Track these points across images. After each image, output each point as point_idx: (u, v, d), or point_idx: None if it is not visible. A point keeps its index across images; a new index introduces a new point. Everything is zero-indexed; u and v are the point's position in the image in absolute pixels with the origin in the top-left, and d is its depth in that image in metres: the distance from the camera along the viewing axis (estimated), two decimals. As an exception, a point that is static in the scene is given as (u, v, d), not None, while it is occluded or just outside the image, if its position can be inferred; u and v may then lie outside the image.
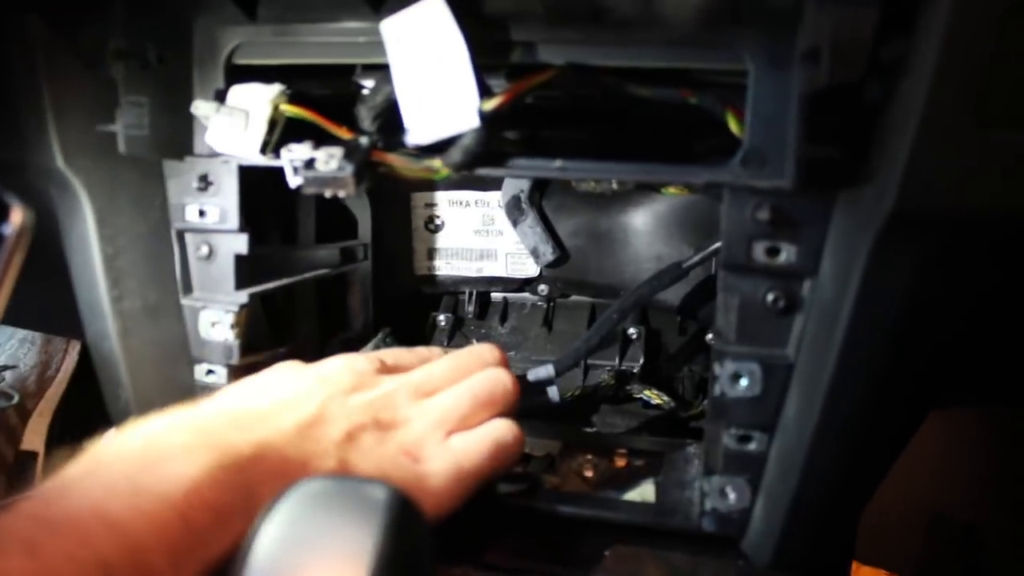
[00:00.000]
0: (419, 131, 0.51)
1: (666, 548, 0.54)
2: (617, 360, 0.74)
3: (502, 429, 0.53)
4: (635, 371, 0.74)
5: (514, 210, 0.75)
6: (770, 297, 0.50)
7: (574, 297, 0.80)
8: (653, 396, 0.72)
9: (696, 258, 0.67)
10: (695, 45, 0.50)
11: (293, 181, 0.53)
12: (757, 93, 0.48)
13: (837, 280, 0.47)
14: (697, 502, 0.56)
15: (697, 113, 0.52)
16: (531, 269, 0.78)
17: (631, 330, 0.75)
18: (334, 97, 0.57)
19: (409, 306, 0.81)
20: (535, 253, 0.76)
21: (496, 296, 0.82)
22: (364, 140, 0.52)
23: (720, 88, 0.52)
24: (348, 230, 0.75)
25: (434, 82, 0.50)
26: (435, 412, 0.52)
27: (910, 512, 0.57)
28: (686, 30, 0.49)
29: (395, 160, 0.53)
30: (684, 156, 0.53)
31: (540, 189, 0.75)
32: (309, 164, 0.51)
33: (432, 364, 0.56)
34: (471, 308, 0.80)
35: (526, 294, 0.80)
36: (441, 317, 0.79)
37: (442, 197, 0.78)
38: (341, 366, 0.53)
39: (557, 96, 0.55)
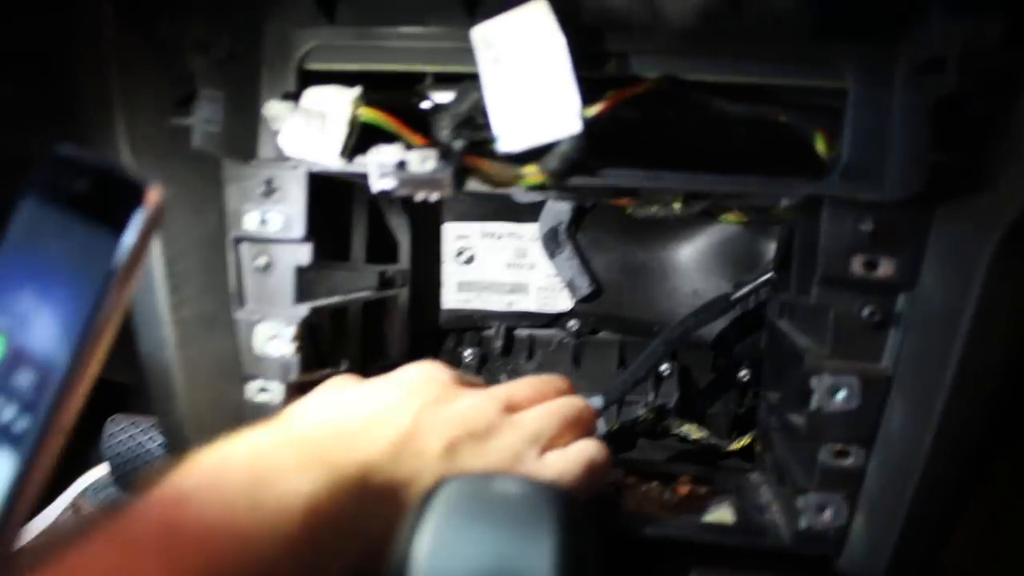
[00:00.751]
0: (513, 138, 0.50)
1: (757, 566, 0.52)
2: (652, 396, 0.73)
3: (593, 448, 0.51)
4: (671, 407, 0.72)
5: (551, 242, 0.74)
6: (866, 311, 0.50)
7: (601, 335, 0.79)
8: (692, 431, 0.71)
9: (745, 290, 0.67)
10: (794, 62, 0.50)
11: (378, 184, 0.51)
12: (857, 107, 0.49)
13: (947, 291, 0.47)
14: (782, 523, 0.54)
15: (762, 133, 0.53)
16: (562, 304, 0.77)
17: (663, 367, 0.74)
18: (404, 107, 0.55)
19: (435, 339, 0.79)
20: (571, 286, 0.75)
21: (521, 333, 0.80)
22: (458, 143, 0.51)
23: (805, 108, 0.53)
24: (388, 255, 0.72)
25: (532, 88, 0.49)
26: (528, 427, 0.50)
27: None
28: (785, 47, 0.50)
29: (488, 166, 0.51)
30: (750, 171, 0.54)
31: (577, 221, 0.74)
32: (401, 166, 0.50)
33: (512, 383, 0.54)
34: (498, 343, 0.78)
35: (553, 330, 0.79)
36: (467, 352, 0.77)
37: (474, 228, 0.77)
38: (424, 375, 0.51)
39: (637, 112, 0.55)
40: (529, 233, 0.76)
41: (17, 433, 0.32)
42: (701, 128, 0.56)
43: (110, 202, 0.34)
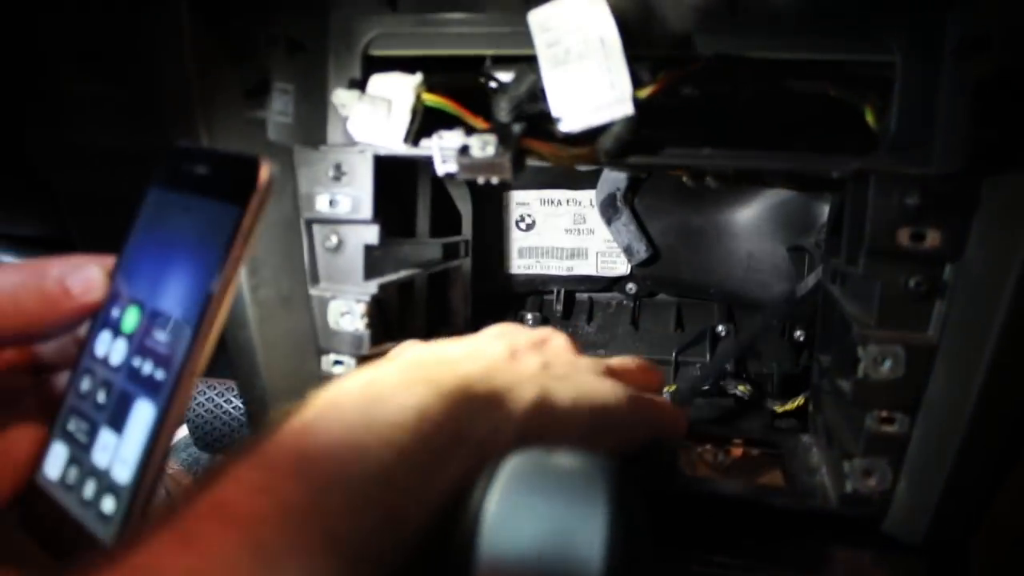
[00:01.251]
0: (569, 119, 0.52)
1: (805, 529, 0.55)
2: (707, 356, 0.75)
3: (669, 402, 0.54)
4: (727, 367, 0.75)
5: (609, 208, 0.76)
6: (912, 282, 0.51)
7: (659, 297, 0.81)
8: (747, 391, 0.73)
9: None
10: (843, 36, 0.51)
11: (442, 168, 0.53)
12: (905, 82, 0.50)
13: (990, 262, 0.48)
14: (830, 486, 0.57)
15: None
16: (621, 268, 0.79)
17: (720, 328, 0.77)
18: (464, 90, 0.58)
19: (499, 304, 0.82)
20: (628, 251, 0.77)
21: (581, 296, 0.82)
22: (515, 127, 0.53)
23: (857, 81, 0.54)
24: (453, 225, 0.75)
25: (586, 71, 0.51)
26: (612, 374, 0.53)
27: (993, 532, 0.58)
28: (835, 23, 0.51)
29: (545, 147, 0.54)
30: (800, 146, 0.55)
31: (633, 188, 0.76)
32: (463, 151, 0.52)
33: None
34: (559, 307, 0.81)
35: (611, 293, 0.81)
36: (528, 316, 0.80)
37: (534, 196, 0.79)
38: (504, 331, 0.55)
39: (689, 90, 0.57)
40: (587, 199, 0.78)
41: (155, 384, 0.37)
42: (755, 102, 0.57)
43: (228, 180, 0.39)
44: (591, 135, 0.52)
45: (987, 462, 0.51)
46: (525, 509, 0.37)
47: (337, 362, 0.59)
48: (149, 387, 0.37)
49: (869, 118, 0.54)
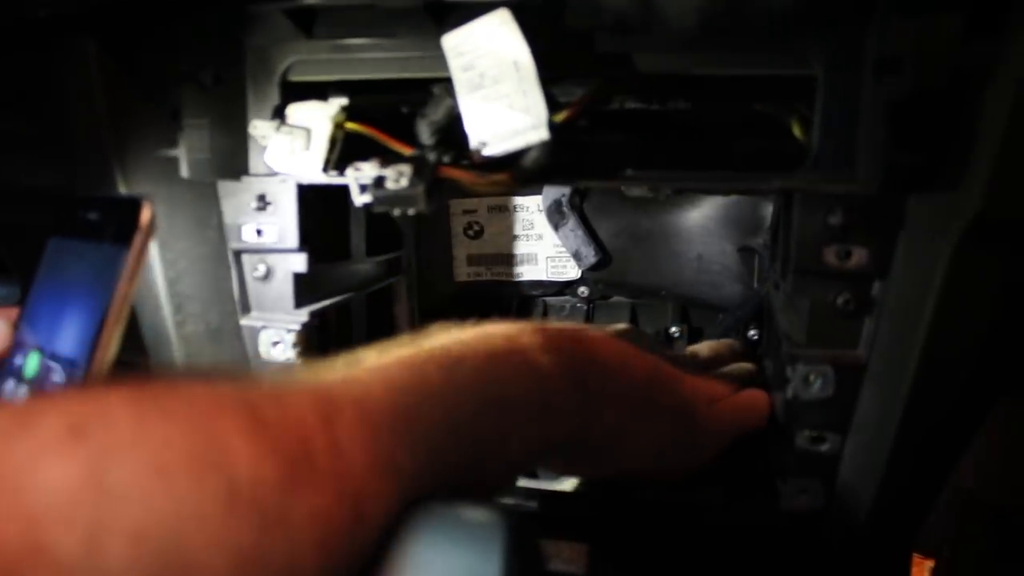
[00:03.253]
0: (486, 145, 0.51)
1: (739, 547, 0.55)
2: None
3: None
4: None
5: (555, 214, 0.75)
6: (841, 300, 0.50)
7: (613, 298, 0.80)
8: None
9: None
10: (763, 52, 0.50)
11: (360, 200, 0.52)
12: (826, 98, 0.49)
13: (914, 281, 0.47)
14: (767, 504, 0.56)
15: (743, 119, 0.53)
16: (572, 272, 0.78)
17: (673, 329, 0.76)
18: (389, 112, 0.57)
19: (450, 314, 0.81)
20: (577, 256, 0.76)
21: (535, 301, 0.82)
22: (431, 156, 0.52)
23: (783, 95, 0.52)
24: (393, 241, 0.74)
25: (501, 95, 0.50)
26: None
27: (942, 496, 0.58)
28: (753, 37, 0.50)
29: (462, 175, 0.52)
30: (733, 159, 0.54)
31: (581, 193, 0.75)
32: (378, 182, 0.51)
33: None
34: (512, 312, 0.80)
35: (566, 296, 0.81)
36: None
37: (481, 203, 0.79)
38: None
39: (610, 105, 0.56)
40: (535, 204, 0.77)
41: None
42: (680, 117, 0.56)
43: (115, 223, 0.41)
44: (509, 159, 0.51)
45: (913, 481, 0.51)
46: (423, 561, 0.37)
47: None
48: None
49: (796, 131, 0.52)
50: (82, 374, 0.38)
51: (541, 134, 0.50)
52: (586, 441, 0.46)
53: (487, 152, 0.51)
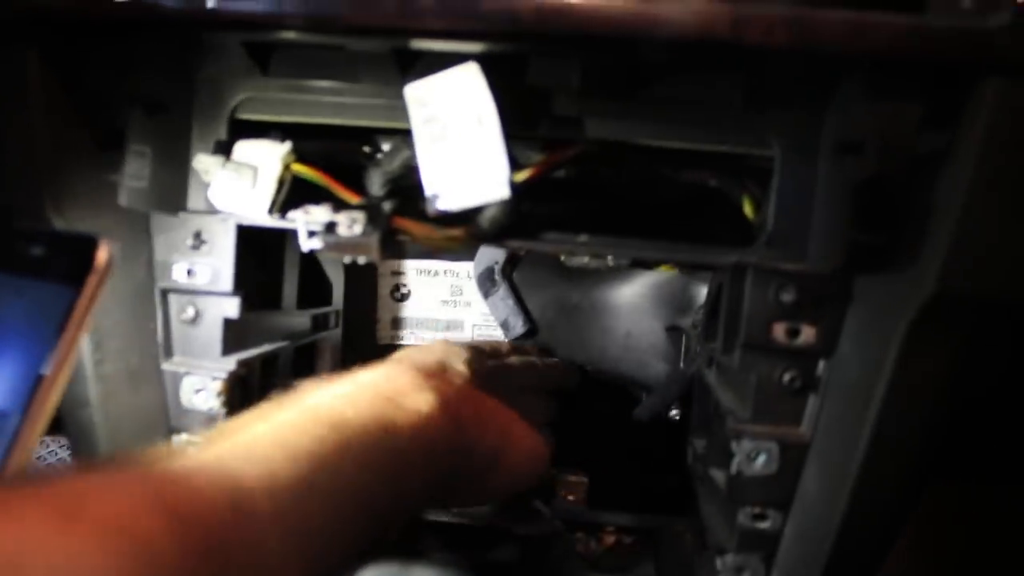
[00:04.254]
0: (444, 199, 0.50)
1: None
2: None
3: None
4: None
5: (486, 282, 0.74)
6: (787, 377, 0.51)
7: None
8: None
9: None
10: (723, 129, 0.51)
11: (307, 244, 0.50)
12: (783, 177, 0.50)
13: (863, 361, 0.48)
14: (702, 581, 0.56)
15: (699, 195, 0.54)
16: (498, 341, 0.77)
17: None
18: (335, 159, 0.55)
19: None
20: (505, 326, 0.75)
21: (457, 368, 0.80)
22: (386, 205, 0.51)
23: (736, 173, 0.53)
24: (323, 296, 0.72)
25: (463, 150, 0.49)
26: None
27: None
28: (715, 113, 0.51)
29: (417, 228, 0.51)
30: (685, 233, 0.54)
31: (513, 262, 0.75)
32: (330, 228, 0.49)
33: None
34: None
35: (489, 366, 0.79)
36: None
37: (410, 265, 0.77)
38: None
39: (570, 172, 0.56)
40: (464, 270, 0.76)
41: None
42: (636, 188, 0.56)
43: (64, 261, 0.38)
44: (465, 215, 0.50)
45: (858, 558, 0.51)
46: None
47: (189, 443, 0.55)
48: None
49: (747, 210, 0.53)
50: (18, 425, 0.35)
51: (502, 192, 0.49)
52: (462, 471, 0.49)
53: (444, 206, 0.50)
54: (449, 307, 0.77)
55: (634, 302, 0.74)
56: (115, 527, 0.27)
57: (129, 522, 0.27)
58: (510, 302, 0.74)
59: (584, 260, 0.64)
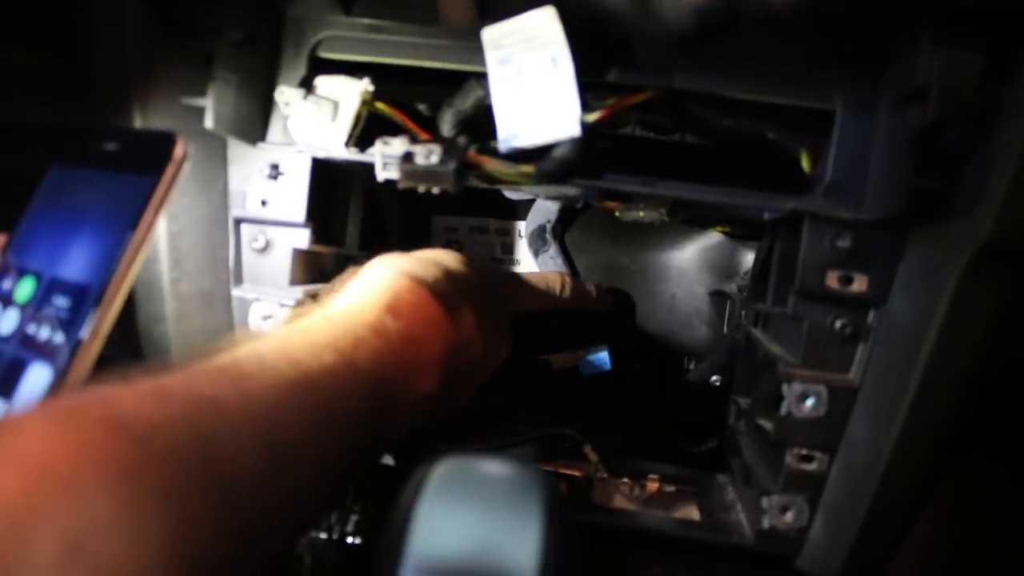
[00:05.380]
0: (516, 138, 0.52)
1: (716, 567, 0.55)
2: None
3: None
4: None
5: (537, 240, 0.76)
6: (838, 324, 0.52)
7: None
8: (663, 432, 0.73)
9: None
10: (787, 83, 0.53)
11: (383, 175, 0.52)
12: (843, 129, 0.52)
13: (914, 309, 0.49)
14: (746, 522, 0.57)
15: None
16: (545, 300, 0.79)
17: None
18: (409, 100, 0.57)
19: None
20: (554, 284, 0.77)
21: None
22: (461, 139, 0.53)
23: (796, 126, 0.55)
24: (382, 243, 0.74)
25: (536, 90, 0.51)
26: None
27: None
28: (779, 68, 0.52)
29: (488, 162, 0.53)
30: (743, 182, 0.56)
31: (564, 222, 0.76)
32: (407, 158, 0.51)
33: None
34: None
35: (536, 323, 0.81)
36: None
37: (463, 222, 0.79)
38: None
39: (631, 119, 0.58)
40: (516, 229, 0.78)
41: (52, 349, 0.36)
42: (696, 139, 0.58)
43: (141, 155, 0.40)
44: (536, 152, 0.52)
45: (901, 503, 0.52)
46: (456, 514, 0.36)
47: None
48: (45, 352, 0.37)
49: (805, 162, 0.55)
50: (94, 301, 0.37)
51: (573, 130, 0.51)
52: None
53: (516, 144, 0.52)
54: (499, 264, 0.79)
55: (681, 266, 0.76)
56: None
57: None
58: (559, 261, 0.76)
59: (639, 214, 0.66)
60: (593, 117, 0.52)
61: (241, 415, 0.33)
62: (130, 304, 0.54)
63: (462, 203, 0.79)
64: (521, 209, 0.77)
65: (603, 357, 0.69)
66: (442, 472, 0.38)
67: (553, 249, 0.76)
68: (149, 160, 0.39)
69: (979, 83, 0.45)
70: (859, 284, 0.52)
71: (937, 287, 0.48)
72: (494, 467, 0.39)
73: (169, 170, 0.39)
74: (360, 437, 0.40)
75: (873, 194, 0.50)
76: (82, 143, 0.43)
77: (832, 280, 0.52)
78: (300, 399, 0.36)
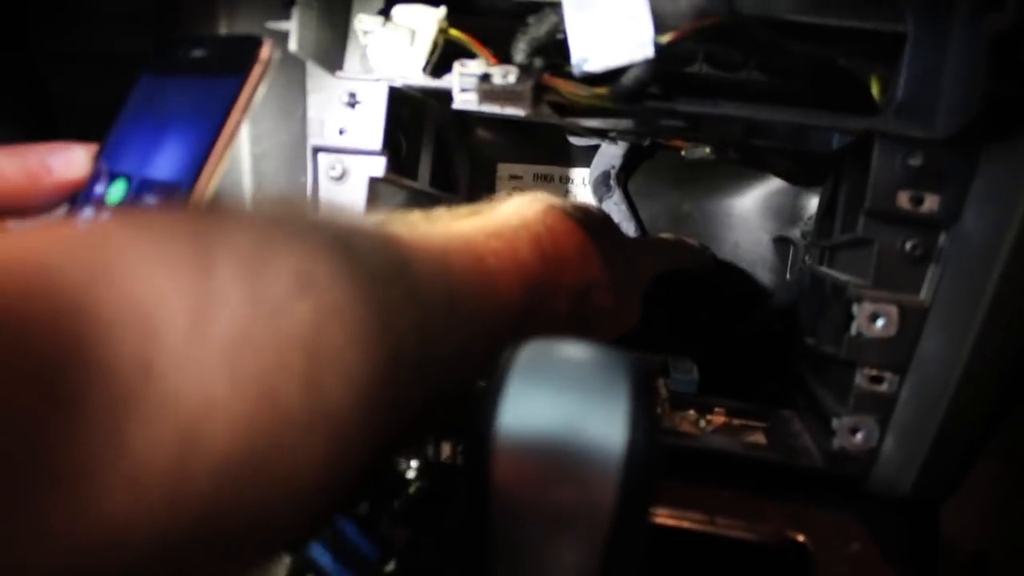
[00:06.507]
0: (590, 60, 0.53)
1: (786, 490, 0.55)
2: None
3: None
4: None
5: (601, 186, 0.77)
6: (909, 245, 0.53)
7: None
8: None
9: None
10: (858, 5, 0.53)
11: (461, 98, 0.54)
12: (915, 48, 0.52)
13: (987, 227, 0.49)
14: (814, 446, 0.57)
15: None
16: (608, 248, 0.80)
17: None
18: (483, 30, 0.59)
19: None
20: (618, 230, 0.78)
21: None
22: (537, 61, 0.54)
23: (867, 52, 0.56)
24: (450, 184, 0.76)
25: (610, 13, 0.52)
26: None
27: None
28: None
29: (564, 85, 0.54)
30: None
31: (627, 168, 0.77)
32: (484, 78, 0.53)
33: None
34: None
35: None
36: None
37: (527, 170, 0.80)
38: None
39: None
40: (580, 178, 0.79)
41: None
42: (763, 76, 0.59)
43: (228, 58, 0.41)
44: (610, 76, 0.53)
45: (972, 424, 0.52)
46: (544, 390, 0.37)
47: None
48: None
49: (875, 89, 0.56)
50: (186, 194, 0.38)
51: (646, 52, 0.52)
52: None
53: (591, 67, 0.53)
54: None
55: (743, 213, 0.77)
56: None
57: None
58: (623, 207, 0.77)
59: (706, 151, 0.67)
60: (666, 39, 0.53)
61: (428, 252, 0.37)
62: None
63: (527, 151, 0.81)
64: (585, 156, 0.78)
65: (691, 381, 0.69)
66: (528, 353, 0.39)
67: (617, 195, 0.77)
68: (237, 62, 0.40)
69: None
70: (930, 203, 0.52)
71: (1010, 204, 0.48)
72: (580, 349, 0.40)
73: (256, 70, 0.39)
74: (511, 330, 0.42)
75: (945, 111, 0.51)
76: (172, 51, 0.44)
77: (903, 200, 0.52)
78: (470, 263, 0.40)
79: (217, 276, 0.25)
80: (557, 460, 0.35)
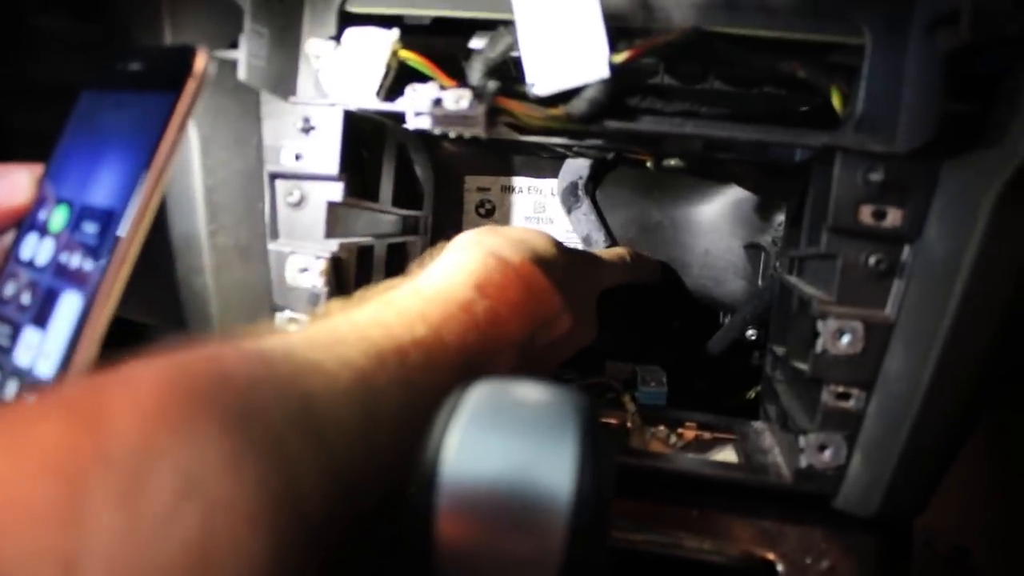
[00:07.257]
0: (544, 81, 0.52)
1: (755, 508, 0.55)
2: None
3: None
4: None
5: (570, 197, 0.76)
6: (872, 259, 0.52)
7: (616, 287, 0.81)
8: (701, 385, 0.73)
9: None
10: (815, 19, 0.52)
11: (414, 122, 0.53)
12: (873, 61, 0.51)
13: (950, 240, 0.49)
14: (783, 463, 0.57)
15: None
16: (578, 258, 0.79)
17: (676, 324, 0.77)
18: (437, 52, 0.58)
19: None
20: (587, 241, 0.77)
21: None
22: (490, 85, 0.53)
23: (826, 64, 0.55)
24: (411, 202, 0.75)
25: (564, 33, 0.51)
26: None
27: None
28: (807, 4, 0.52)
29: (518, 107, 0.53)
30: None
31: (595, 178, 0.77)
32: (437, 103, 0.52)
33: None
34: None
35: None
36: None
37: (495, 182, 0.79)
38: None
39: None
40: (548, 188, 0.79)
41: (83, 276, 0.36)
42: (724, 87, 0.58)
43: (164, 71, 0.39)
44: (563, 99, 0.53)
45: (939, 440, 0.52)
46: (489, 436, 0.36)
47: (292, 320, 0.58)
48: (76, 279, 0.37)
49: (835, 101, 0.55)
50: (120, 223, 0.37)
51: (601, 72, 0.51)
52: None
53: (545, 89, 0.52)
54: (532, 224, 0.79)
55: (713, 221, 0.76)
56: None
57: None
58: (592, 217, 0.76)
59: (671, 162, 0.66)
60: (621, 58, 0.52)
61: (338, 376, 0.35)
62: (169, 264, 0.56)
63: (494, 163, 0.80)
64: (554, 167, 0.78)
65: (660, 393, 0.69)
66: (476, 395, 0.38)
67: (586, 205, 0.76)
68: (172, 76, 0.38)
69: (1011, 8, 0.45)
70: (893, 218, 0.51)
71: (972, 216, 0.47)
72: (528, 389, 0.39)
73: (190, 85, 0.38)
74: None
75: (905, 125, 0.50)
76: (110, 66, 0.42)
77: (865, 215, 0.51)
78: (392, 367, 0.38)
79: (88, 505, 0.24)
80: (503, 508, 0.34)
